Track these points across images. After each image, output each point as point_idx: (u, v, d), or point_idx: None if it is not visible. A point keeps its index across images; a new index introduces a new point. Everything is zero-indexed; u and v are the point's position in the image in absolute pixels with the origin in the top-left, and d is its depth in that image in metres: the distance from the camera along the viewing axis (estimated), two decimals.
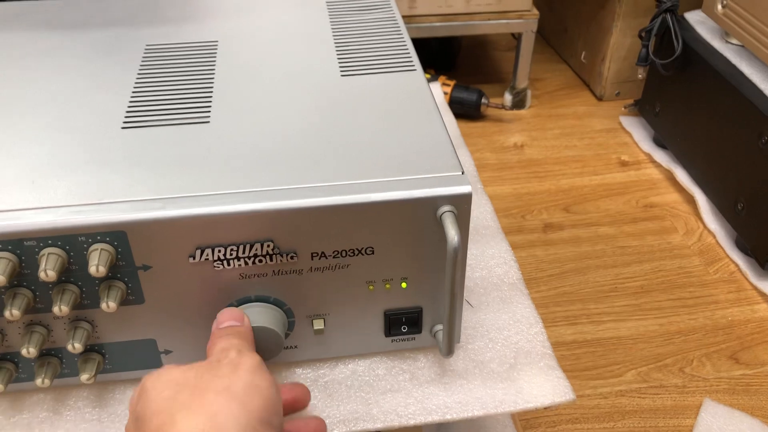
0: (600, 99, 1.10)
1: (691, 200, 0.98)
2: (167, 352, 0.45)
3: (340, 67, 0.53)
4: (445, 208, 0.41)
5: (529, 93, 1.08)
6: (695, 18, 1.10)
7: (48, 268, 0.38)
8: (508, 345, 0.49)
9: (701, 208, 0.98)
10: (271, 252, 0.41)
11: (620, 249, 0.81)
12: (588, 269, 0.79)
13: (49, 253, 0.38)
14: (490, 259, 0.56)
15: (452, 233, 0.40)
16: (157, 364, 0.45)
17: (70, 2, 0.63)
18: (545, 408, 0.45)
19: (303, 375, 0.47)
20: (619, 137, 1.03)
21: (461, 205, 0.41)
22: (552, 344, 0.50)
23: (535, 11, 1.03)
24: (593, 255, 0.81)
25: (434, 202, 0.41)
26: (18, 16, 0.61)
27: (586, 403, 0.65)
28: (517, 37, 1.06)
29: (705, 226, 0.93)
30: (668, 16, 1.05)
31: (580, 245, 0.83)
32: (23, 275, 0.40)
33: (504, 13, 1.02)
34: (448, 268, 0.41)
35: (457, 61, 1.20)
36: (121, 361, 0.45)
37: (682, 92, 1.06)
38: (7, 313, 0.39)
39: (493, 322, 0.51)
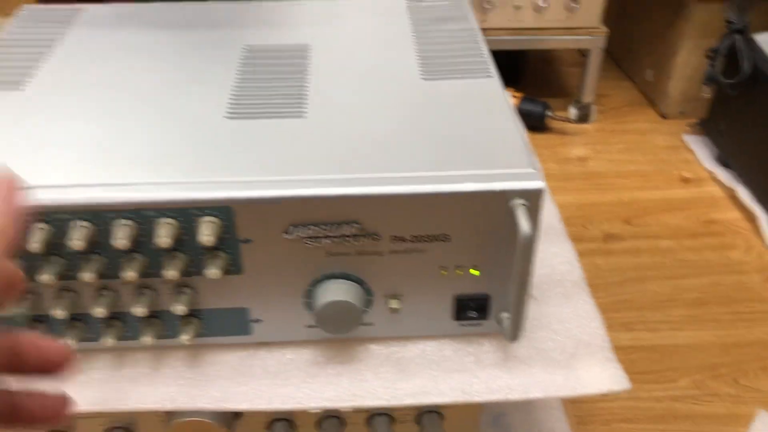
0: (664, 117, 1.12)
1: (752, 218, 0.99)
2: (257, 320, 0.49)
3: (421, 71, 0.57)
4: (519, 201, 0.44)
5: (594, 108, 1.11)
6: (765, 39, 1.10)
7: (164, 236, 0.43)
8: (569, 336, 0.52)
9: (762, 226, 0.99)
10: (355, 233, 0.46)
11: (679, 262, 0.83)
12: (646, 279, 0.81)
13: (164, 223, 0.44)
14: (553, 258, 0.59)
15: (524, 224, 0.43)
16: (246, 332, 0.50)
17: (177, 5, 0.69)
18: (602, 395, 0.48)
19: (377, 351, 0.51)
20: (681, 154, 1.05)
21: (533, 199, 0.45)
22: None
23: (604, 28, 1.05)
24: (652, 266, 0.83)
25: (508, 195, 0.44)
26: (131, 15, 0.67)
27: (640, 404, 0.67)
28: (584, 53, 1.08)
29: (765, 244, 0.94)
30: (737, 37, 1.06)
31: (639, 256, 0.85)
32: (140, 242, 0.45)
33: (573, 30, 1.05)
34: (517, 258, 0.44)
35: (524, 75, 1.24)
36: (216, 326, 0.49)
37: (748, 112, 1.07)
38: (124, 275, 0.44)
39: (555, 315, 0.54)
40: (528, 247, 0.44)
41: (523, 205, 0.44)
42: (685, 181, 0.99)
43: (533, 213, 0.45)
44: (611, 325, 0.72)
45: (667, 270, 0.82)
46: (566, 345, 0.52)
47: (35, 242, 0.43)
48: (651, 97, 1.17)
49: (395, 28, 0.65)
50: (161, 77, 0.56)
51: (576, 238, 0.91)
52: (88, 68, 0.58)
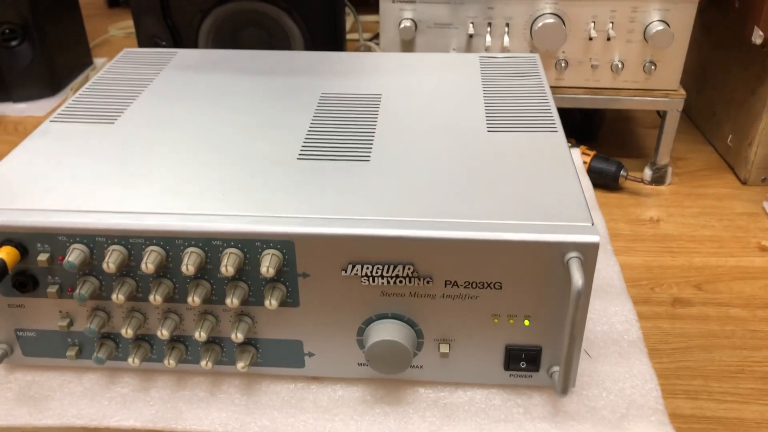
0: (744, 183, 1.08)
1: None
2: (311, 354, 0.51)
3: (488, 123, 0.59)
4: (573, 254, 0.45)
5: (670, 170, 1.09)
6: None
7: (228, 264, 0.45)
8: (622, 396, 0.51)
9: None
10: (410, 274, 0.47)
11: (751, 332, 0.79)
12: (714, 348, 0.78)
13: (230, 252, 0.46)
14: (612, 316, 0.59)
15: (577, 277, 0.44)
16: (299, 365, 0.51)
17: (261, 53, 0.74)
18: None
19: (425, 395, 0.51)
20: (761, 222, 1.01)
21: (588, 253, 0.45)
22: (668, 415, 0.51)
23: (682, 91, 1.04)
24: (721, 334, 0.80)
25: (563, 247, 0.45)
26: (219, 60, 0.72)
27: None
28: (661, 115, 1.08)
29: None
30: None
31: (708, 323, 0.82)
32: (206, 269, 0.47)
33: (650, 91, 1.04)
34: (570, 310, 0.44)
35: (599, 133, 1.23)
36: (271, 357, 0.51)
37: None
38: (189, 300, 0.47)
39: (609, 373, 0.53)
40: (581, 300, 0.44)
41: (578, 258, 0.45)
42: (763, 249, 0.96)
43: (588, 267, 0.45)
44: (673, 392, 0.69)
45: (737, 340, 0.79)
46: (618, 404, 0.51)
47: (110, 264, 0.46)
48: (730, 162, 1.14)
49: (466, 80, 0.67)
50: (243, 118, 0.60)
51: (643, 301, 0.89)
52: (176, 107, 0.62)
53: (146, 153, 0.54)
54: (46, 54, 1.34)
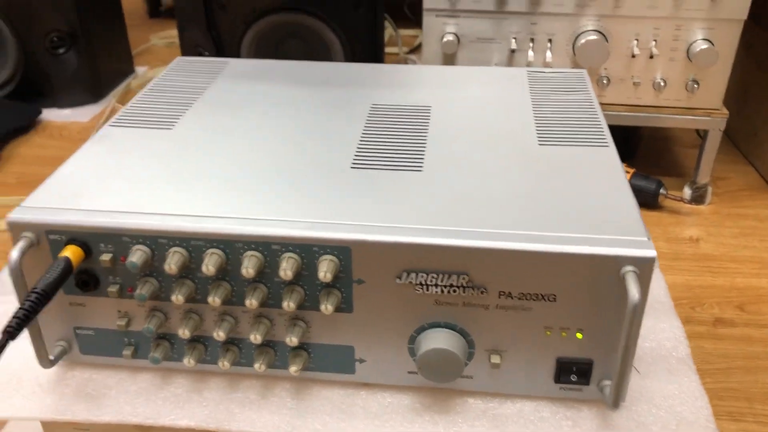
0: None
1: None
2: (361, 360, 0.51)
3: (538, 136, 0.59)
4: (629, 268, 0.45)
5: (710, 189, 1.08)
6: None
7: (287, 269, 0.46)
8: (672, 413, 0.51)
9: None
10: (464, 284, 0.47)
11: None
12: (758, 369, 0.77)
13: (288, 257, 0.47)
14: (660, 333, 0.58)
15: (634, 291, 0.44)
16: (350, 371, 0.52)
17: (311, 64, 0.75)
18: None
19: (474, 405, 0.52)
20: None
21: (645, 268, 0.45)
22: None
23: (725, 110, 1.04)
24: (764, 356, 0.79)
25: (620, 261, 0.45)
26: (270, 70, 0.73)
27: None
28: (702, 134, 1.07)
29: None
30: None
31: (751, 344, 0.81)
32: (263, 273, 0.48)
33: (692, 110, 1.04)
34: (625, 324, 0.45)
35: (638, 151, 1.23)
36: (323, 362, 0.52)
37: None
38: (247, 302, 0.48)
39: (659, 389, 0.53)
40: (636, 314, 0.44)
41: (634, 272, 0.45)
42: None
43: (643, 281, 0.45)
44: (717, 413, 0.69)
45: None
46: (668, 421, 0.50)
47: (172, 265, 0.47)
48: None
49: (515, 94, 0.67)
50: (295, 127, 0.61)
51: (684, 320, 0.88)
52: (231, 115, 0.63)
53: (205, 158, 0.56)
54: (90, 61, 1.38)
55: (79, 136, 1.31)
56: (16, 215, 0.48)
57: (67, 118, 1.38)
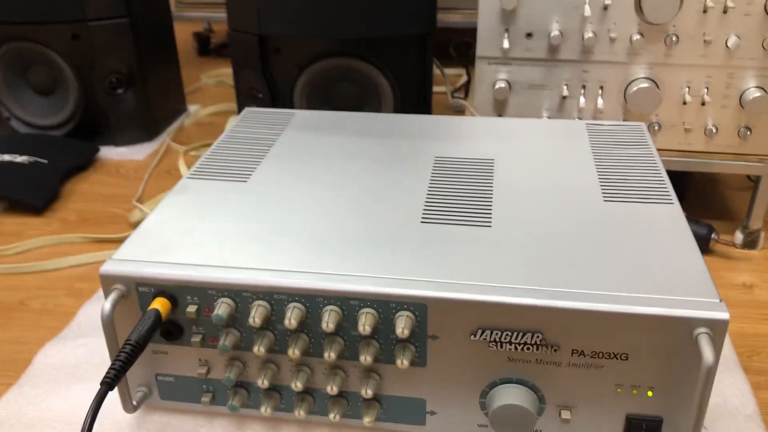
0: None
1: None
2: (432, 413, 0.53)
3: (603, 192, 0.60)
4: (702, 329, 0.46)
5: (762, 234, 1.08)
6: None
7: (366, 324, 0.48)
8: None
9: None
10: (538, 342, 0.48)
11: None
12: None
13: (366, 312, 0.49)
14: (726, 389, 0.59)
15: (708, 354, 0.45)
16: (421, 422, 0.53)
17: (374, 115, 0.77)
18: None
19: None
20: None
21: (718, 330, 0.46)
22: None
23: None
24: None
25: (693, 323, 0.46)
26: (335, 121, 0.76)
27: None
28: (753, 179, 1.07)
29: None
30: None
31: None
32: (342, 327, 0.50)
33: (744, 156, 1.04)
34: (699, 385, 0.45)
35: (687, 194, 1.23)
36: (394, 413, 0.53)
37: None
38: (325, 355, 0.50)
39: None
40: (710, 376, 0.45)
41: (707, 334, 0.46)
42: None
43: (717, 343, 0.46)
44: None
45: None
46: None
47: (256, 318, 0.49)
48: None
49: (575, 147, 0.69)
50: (364, 180, 0.63)
51: (741, 370, 0.88)
52: (300, 167, 0.66)
53: (280, 212, 0.58)
54: (146, 101, 1.43)
55: (135, 174, 1.35)
56: (109, 267, 0.50)
57: (123, 156, 1.43)
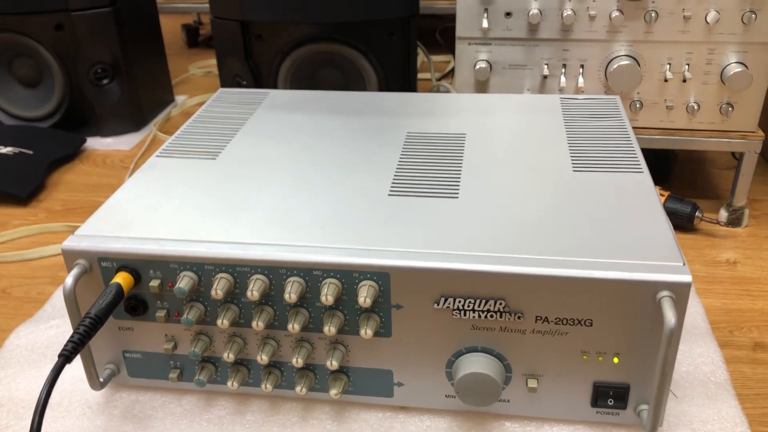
0: None
1: None
2: (400, 384, 0.53)
3: (573, 163, 0.60)
4: (665, 293, 0.45)
5: (746, 212, 1.07)
6: None
7: (329, 294, 0.48)
8: None
9: None
10: (501, 309, 0.48)
11: None
12: None
13: (330, 282, 0.48)
14: (697, 357, 0.58)
15: (670, 316, 0.44)
16: (389, 394, 0.53)
17: (348, 94, 0.77)
18: None
19: (511, 428, 0.52)
20: None
21: (681, 293, 0.45)
22: None
23: (760, 133, 1.04)
24: None
25: (655, 286, 0.46)
26: (308, 101, 0.75)
27: None
28: (737, 157, 1.07)
29: None
30: None
31: None
32: (306, 298, 0.50)
33: (726, 133, 1.04)
34: (662, 348, 0.45)
35: (672, 174, 1.23)
36: (362, 385, 0.53)
37: None
38: (289, 327, 0.49)
39: (697, 414, 0.53)
40: (673, 339, 0.44)
41: (670, 297, 0.45)
42: None
43: (680, 306, 0.46)
44: None
45: None
46: None
47: (218, 290, 0.49)
48: None
49: (548, 121, 0.69)
50: (334, 156, 0.63)
51: (722, 344, 0.87)
52: (271, 144, 0.65)
53: (248, 187, 0.58)
54: (132, 92, 1.42)
55: (122, 163, 1.35)
56: (71, 243, 0.50)
57: (109, 147, 1.43)
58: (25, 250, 1.05)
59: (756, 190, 1.19)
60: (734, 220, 1.06)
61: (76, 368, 0.58)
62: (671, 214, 1.08)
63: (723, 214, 1.07)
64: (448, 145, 0.64)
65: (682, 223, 1.07)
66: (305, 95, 0.77)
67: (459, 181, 0.58)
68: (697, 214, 1.05)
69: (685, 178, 1.24)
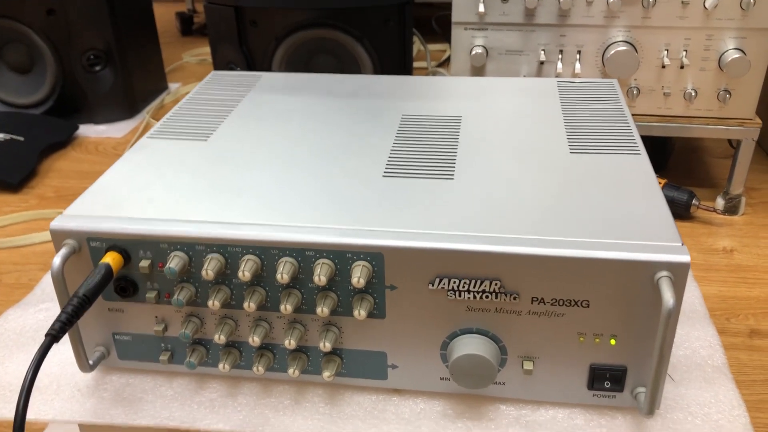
0: None
1: None
2: (394, 366, 0.52)
3: (570, 145, 0.59)
4: (663, 273, 0.45)
5: (743, 200, 1.07)
6: None
7: (321, 274, 0.47)
8: (708, 422, 0.50)
9: None
10: (496, 290, 0.47)
11: None
12: None
13: (322, 263, 0.48)
14: (695, 341, 0.58)
15: (668, 296, 0.44)
16: (383, 376, 0.52)
17: (341, 77, 0.76)
18: None
19: (506, 411, 0.52)
20: None
21: (679, 273, 0.45)
22: None
23: (758, 120, 1.03)
24: None
25: (654, 266, 0.45)
26: (302, 83, 0.74)
27: None
28: (734, 144, 1.06)
29: None
30: None
31: None
32: (298, 279, 0.49)
33: (724, 120, 1.03)
34: (660, 330, 0.44)
35: (669, 161, 1.22)
36: (355, 367, 0.52)
37: None
38: (282, 308, 0.49)
39: (694, 398, 0.52)
40: (671, 320, 0.44)
41: (668, 277, 0.45)
42: None
43: (678, 287, 0.45)
44: (755, 426, 0.67)
45: None
46: (704, 430, 0.50)
47: (209, 270, 0.48)
48: None
49: (545, 104, 0.68)
50: (328, 138, 0.62)
51: (719, 331, 0.87)
52: (264, 126, 0.65)
53: (239, 168, 0.57)
54: (125, 79, 1.41)
55: (114, 151, 1.34)
56: (59, 223, 0.49)
57: (102, 134, 1.42)
58: (17, 237, 1.04)
59: (753, 178, 1.19)
60: (731, 208, 1.06)
61: (65, 351, 0.57)
62: (668, 202, 1.08)
63: (720, 202, 1.07)
64: (443, 128, 0.64)
65: (678, 211, 1.07)
66: (299, 77, 0.76)
67: (455, 163, 0.57)
68: (693, 202, 1.05)
69: (681, 167, 1.24)
